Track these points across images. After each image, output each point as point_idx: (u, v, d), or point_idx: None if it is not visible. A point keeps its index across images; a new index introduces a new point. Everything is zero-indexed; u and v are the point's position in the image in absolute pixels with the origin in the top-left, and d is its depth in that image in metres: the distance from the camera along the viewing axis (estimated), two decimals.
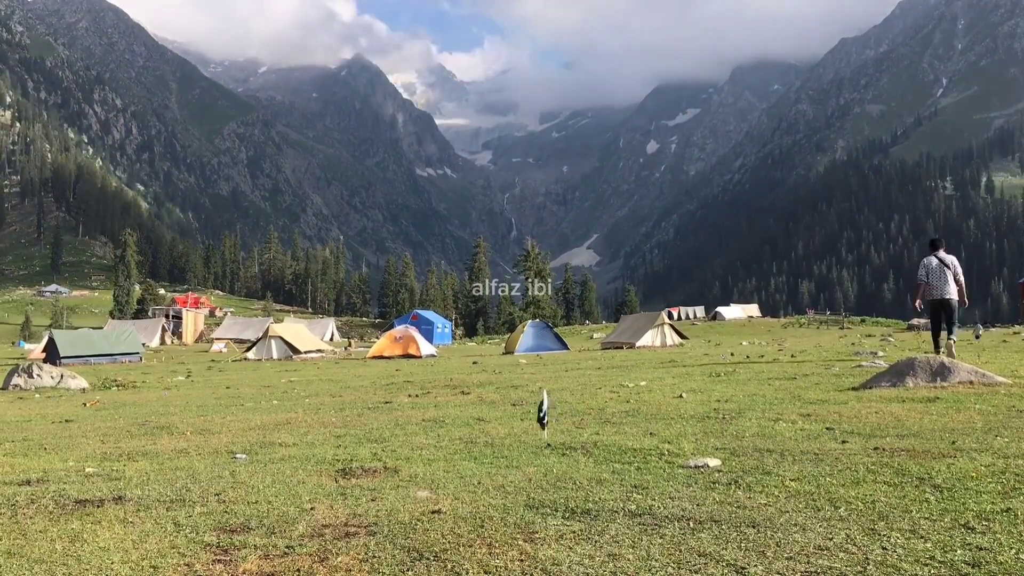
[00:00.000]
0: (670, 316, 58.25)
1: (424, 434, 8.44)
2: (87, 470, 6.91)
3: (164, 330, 68.92)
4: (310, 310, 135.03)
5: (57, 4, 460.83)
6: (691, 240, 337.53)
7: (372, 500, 5.38)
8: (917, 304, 15.16)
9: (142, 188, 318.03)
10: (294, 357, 36.80)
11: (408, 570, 3.98)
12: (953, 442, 6.47)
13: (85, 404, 14.87)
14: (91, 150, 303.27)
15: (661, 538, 4.30)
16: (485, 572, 3.92)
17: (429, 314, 67.85)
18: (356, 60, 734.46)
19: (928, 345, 18.33)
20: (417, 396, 13.42)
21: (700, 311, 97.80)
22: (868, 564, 3.80)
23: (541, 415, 7.36)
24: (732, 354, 23.43)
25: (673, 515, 4.72)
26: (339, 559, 4.15)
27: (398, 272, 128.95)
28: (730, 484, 5.45)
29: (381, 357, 33.06)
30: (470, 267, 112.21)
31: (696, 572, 3.80)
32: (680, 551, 4.08)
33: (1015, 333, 32.96)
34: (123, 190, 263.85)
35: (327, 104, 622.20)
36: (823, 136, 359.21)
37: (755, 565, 3.84)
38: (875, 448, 6.40)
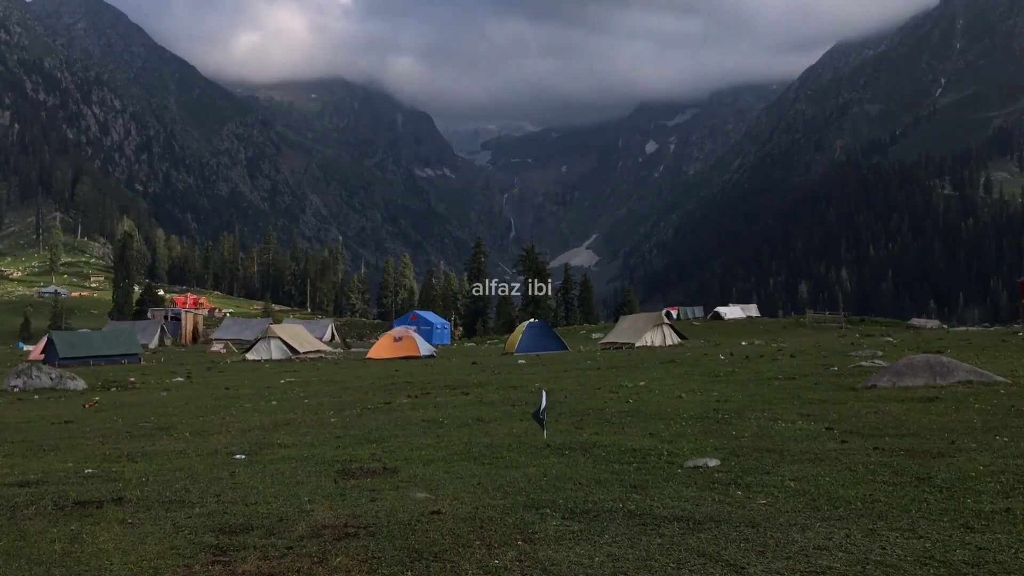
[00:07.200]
0: (669, 316, 58.11)
1: (424, 435, 8.43)
2: (86, 471, 6.90)
3: (163, 331, 68.81)
4: (309, 310, 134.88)
5: (55, 5, 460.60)
6: (690, 240, 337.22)
7: (371, 501, 5.38)
8: None
9: (141, 189, 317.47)
10: (293, 358, 36.75)
11: (407, 570, 3.98)
12: (952, 442, 6.48)
13: (84, 405, 14.85)
14: (90, 151, 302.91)
15: (660, 538, 4.30)
16: (484, 572, 3.91)
17: (428, 315, 67.74)
18: (355, 62, 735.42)
19: (927, 344, 18.30)
20: (416, 397, 13.40)
21: (699, 311, 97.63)
22: (867, 564, 3.80)
23: (540, 414, 7.40)
24: (731, 354, 23.41)
25: (672, 515, 4.72)
26: (338, 560, 4.14)
27: (397, 272, 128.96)
28: (729, 484, 5.45)
29: (380, 358, 33.03)
30: (469, 267, 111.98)
31: (695, 572, 3.80)
32: (679, 551, 4.08)
33: (1014, 333, 32.96)
34: (122, 191, 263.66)
35: (326, 104, 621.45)
36: (822, 136, 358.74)
37: (754, 565, 3.84)
38: (874, 448, 6.41)
